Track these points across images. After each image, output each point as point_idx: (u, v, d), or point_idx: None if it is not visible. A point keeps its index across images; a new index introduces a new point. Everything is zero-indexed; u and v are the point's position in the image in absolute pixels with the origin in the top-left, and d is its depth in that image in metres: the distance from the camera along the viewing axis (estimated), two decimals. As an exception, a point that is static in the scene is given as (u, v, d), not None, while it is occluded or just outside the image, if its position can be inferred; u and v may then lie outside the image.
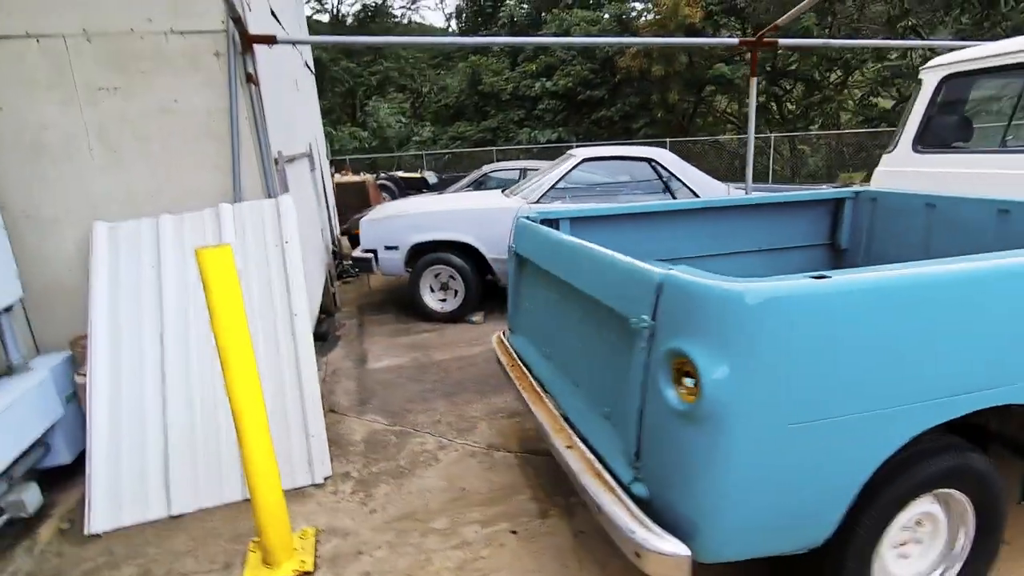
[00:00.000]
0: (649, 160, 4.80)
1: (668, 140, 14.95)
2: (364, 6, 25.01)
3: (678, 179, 4.72)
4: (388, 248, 4.87)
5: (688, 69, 16.10)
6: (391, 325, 4.97)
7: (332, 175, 9.73)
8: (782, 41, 3.72)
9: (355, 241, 5.97)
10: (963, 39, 14.59)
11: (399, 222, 4.89)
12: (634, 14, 18.05)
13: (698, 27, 14.96)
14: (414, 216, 4.88)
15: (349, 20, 25.06)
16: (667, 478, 1.44)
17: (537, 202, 4.70)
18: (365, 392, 3.61)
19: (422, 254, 4.84)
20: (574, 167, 4.79)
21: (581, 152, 4.93)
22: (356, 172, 13.72)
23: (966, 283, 1.42)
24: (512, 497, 2.44)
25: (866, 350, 1.34)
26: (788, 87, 18.11)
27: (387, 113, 19.16)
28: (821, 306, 1.30)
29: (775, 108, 18.45)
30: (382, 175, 14.49)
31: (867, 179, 3.35)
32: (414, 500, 2.46)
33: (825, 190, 3.55)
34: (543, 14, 19.24)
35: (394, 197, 12.68)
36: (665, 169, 4.75)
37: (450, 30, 25.11)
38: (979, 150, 2.97)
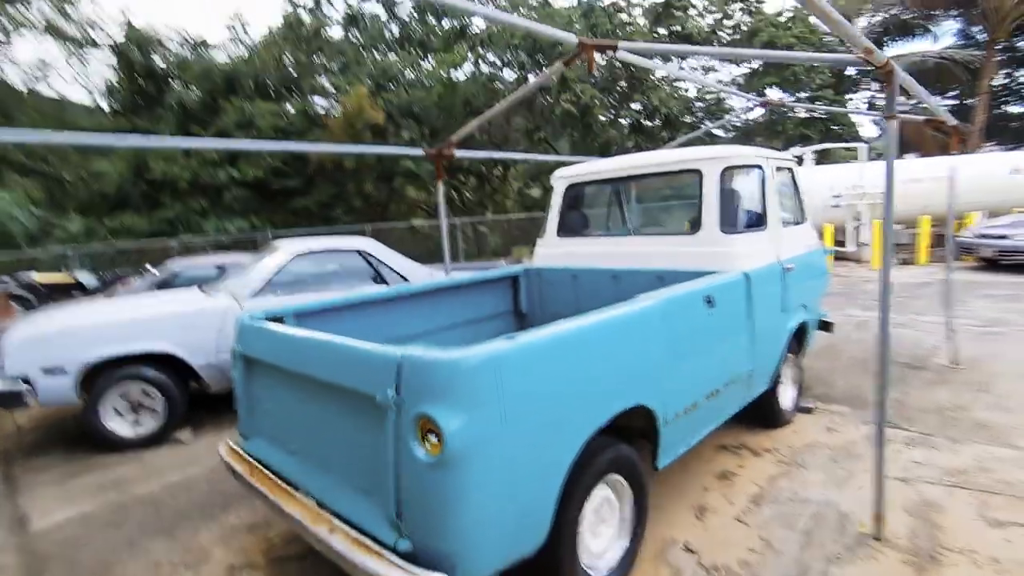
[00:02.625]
0: (359, 251, 5.15)
1: (368, 226, 15.73)
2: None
3: (387, 266, 5.18)
4: (49, 372, 3.95)
5: (379, 163, 17.45)
6: (62, 468, 3.96)
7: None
8: (458, 152, 4.60)
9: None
10: (573, 147, 19.78)
11: (65, 337, 4.02)
12: (320, 110, 18.77)
13: (381, 126, 16.50)
14: (88, 327, 4.09)
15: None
16: (426, 525, 1.69)
17: (253, 297, 4.52)
18: (36, 565, 2.82)
19: (101, 372, 4.07)
20: (288, 261, 4.79)
21: (290, 246, 4.97)
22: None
23: (594, 330, 2.12)
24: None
25: (550, 383, 1.88)
26: (464, 180, 21.24)
27: (7, 204, 15.10)
28: (515, 359, 1.79)
29: (457, 197, 21.34)
30: (4, 279, 11.32)
31: (532, 254, 4.36)
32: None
33: (504, 268, 4.44)
34: (219, 100, 18.33)
35: (30, 308, 10.01)
36: (374, 258, 5.16)
37: (105, 110, 21.58)
38: (595, 235, 4.20)
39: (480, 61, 17.68)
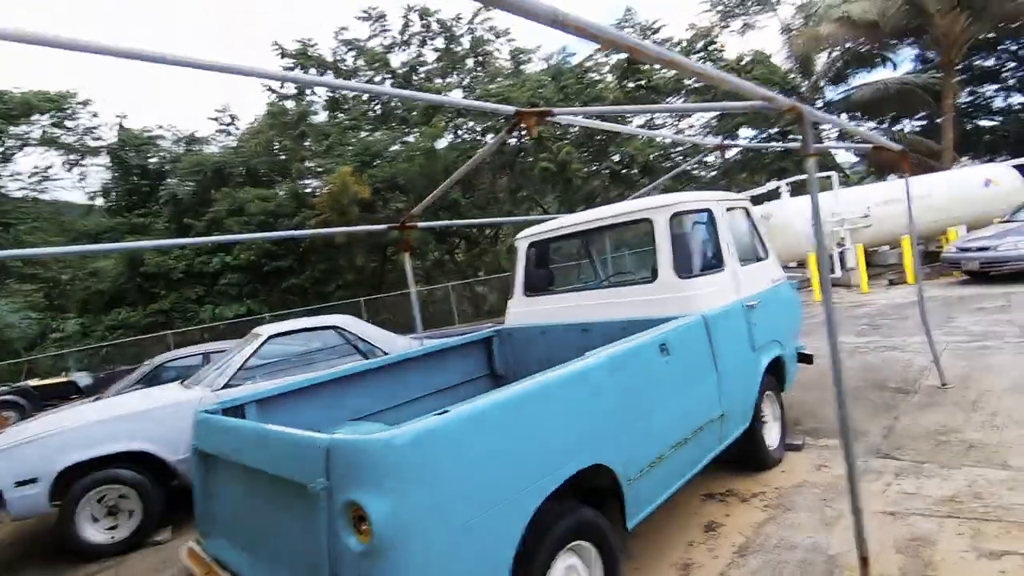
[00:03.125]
0: (335, 328, 5.18)
1: (362, 299, 15.88)
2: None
3: (364, 340, 5.19)
4: (21, 484, 3.88)
5: (368, 236, 17.80)
6: (34, 583, 3.83)
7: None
8: (420, 225, 4.73)
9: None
10: (560, 202, 20.24)
11: (36, 446, 3.97)
12: (308, 190, 19.32)
13: (368, 200, 16.96)
14: (61, 433, 4.05)
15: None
16: (365, 619, 1.62)
17: (224, 388, 4.50)
18: None
19: (76, 479, 4.00)
20: (260, 346, 4.81)
21: (266, 330, 5.01)
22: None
23: (535, 394, 2.10)
24: None
25: (489, 453, 1.85)
26: (456, 243, 21.58)
27: (7, 311, 15.33)
28: (447, 434, 1.76)
29: (449, 259, 21.61)
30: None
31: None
32: None
33: (480, 331, 4.44)
34: (211, 191, 18.95)
35: (25, 415, 9.97)
36: (351, 333, 5.18)
37: (97, 206, 22.26)
38: (563, 290, 4.23)
39: (458, 130, 18.41)
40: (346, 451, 1.67)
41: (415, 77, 20.22)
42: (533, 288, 4.29)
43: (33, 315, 16.14)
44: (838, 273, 11.68)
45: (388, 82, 20.34)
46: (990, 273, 9.33)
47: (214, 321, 16.78)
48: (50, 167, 22.20)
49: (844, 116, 25.75)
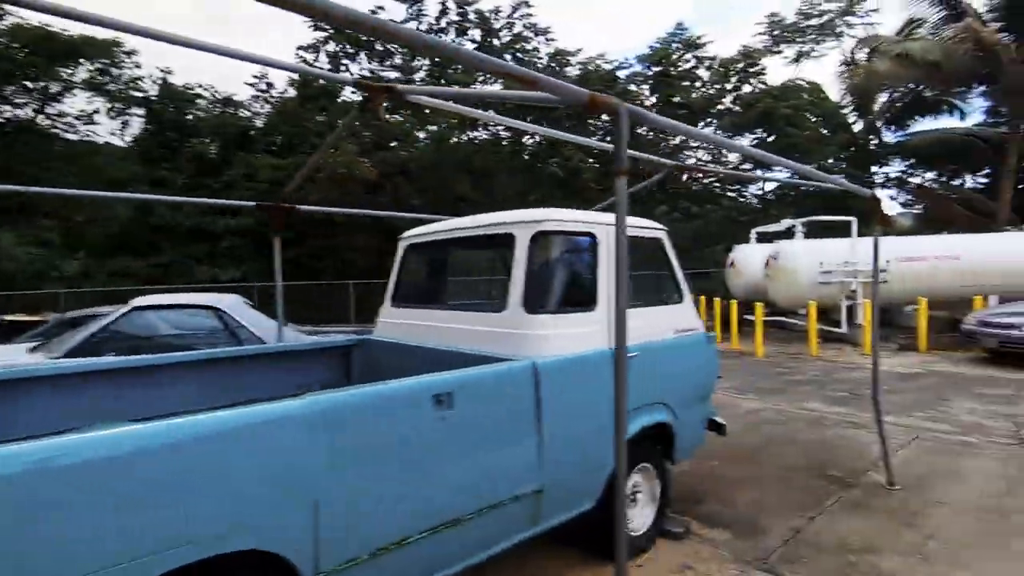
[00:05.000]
0: (214, 308, 4.70)
1: (351, 282, 15.61)
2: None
3: (245, 327, 4.70)
4: None
5: (373, 220, 17.47)
6: None
7: None
8: (303, 208, 4.23)
9: None
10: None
11: None
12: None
13: (376, 182, 16.62)
14: None
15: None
16: None
17: (63, 356, 4.08)
18: None
19: None
20: (120, 316, 4.38)
21: (136, 300, 4.57)
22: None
23: (136, 452, 1.50)
24: None
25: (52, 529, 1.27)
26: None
27: (11, 243, 15.59)
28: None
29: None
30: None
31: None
32: None
33: (340, 337, 3.88)
34: (232, 153, 19.02)
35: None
36: (231, 317, 4.70)
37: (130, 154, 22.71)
38: (426, 306, 3.58)
39: (486, 126, 17.90)
40: None
41: (450, 69, 19.80)
42: (401, 298, 3.70)
43: (34, 251, 16.39)
44: (844, 328, 10.64)
45: (424, 69, 20.00)
46: (1009, 353, 8.21)
47: (211, 282, 16.72)
48: (96, 111, 22.79)
49: (901, 161, 24.18)
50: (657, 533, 3.28)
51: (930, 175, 25.00)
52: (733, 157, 20.15)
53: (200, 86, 22.09)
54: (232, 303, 4.83)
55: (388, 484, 1.97)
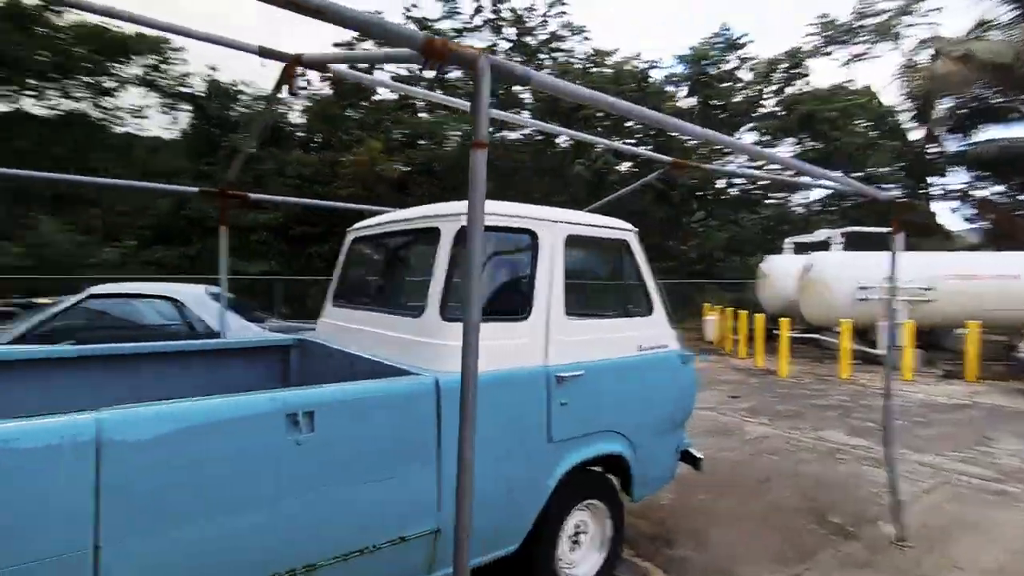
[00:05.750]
0: (172, 299, 4.51)
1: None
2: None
3: (202, 320, 4.48)
4: None
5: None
6: None
7: None
8: (252, 196, 3.98)
9: None
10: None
11: None
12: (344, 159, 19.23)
13: (402, 180, 16.52)
14: None
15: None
16: None
17: (14, 341, 3.95)
18: None
19: None
20: (74, 304, 4.23)
21: (96, 289, 4.43)
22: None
23: None
24: None
25: None
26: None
27: (55, 229, 16.26)
28: None
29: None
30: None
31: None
32: None
33: (272, 335, 3.60)
34: (265, 148, 19.36)
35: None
36: (188, 309, 4.49)
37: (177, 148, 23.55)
38: (356, 305, 3.21)
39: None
40: None
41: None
42: (341, 295, 3.38)
43: (81, 237, 17.06)
44: (882, 351, 9.73)
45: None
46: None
47: (238, 276, 16.99)
48: (148, 106, 23.77)
49: (965, 173, 22.44)
50: (604, 581, 2.83)
51: (999, 188, 23.14)
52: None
53: (242, 82, 22.65)
54: (194, 295, 4.63)
55: (202, 525, 1.62)
